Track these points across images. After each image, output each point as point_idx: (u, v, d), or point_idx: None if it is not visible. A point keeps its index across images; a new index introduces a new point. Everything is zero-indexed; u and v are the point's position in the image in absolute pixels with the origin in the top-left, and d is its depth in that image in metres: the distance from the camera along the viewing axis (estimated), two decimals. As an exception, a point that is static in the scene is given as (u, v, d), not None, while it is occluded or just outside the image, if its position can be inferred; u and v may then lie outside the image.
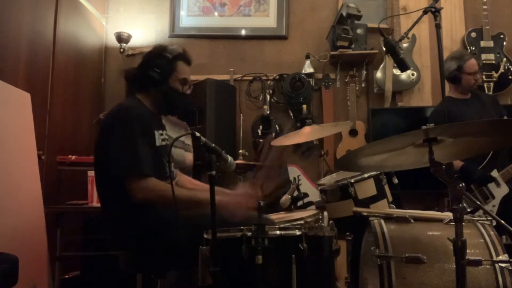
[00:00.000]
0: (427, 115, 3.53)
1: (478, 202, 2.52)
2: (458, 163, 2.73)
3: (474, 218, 1.62)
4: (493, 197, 2.67)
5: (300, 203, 2.44)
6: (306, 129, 2.46)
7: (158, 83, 1.84)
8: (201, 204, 1.63)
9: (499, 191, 2.67)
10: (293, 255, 1.32)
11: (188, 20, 3.97)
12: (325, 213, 2.14)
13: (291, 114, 3.73)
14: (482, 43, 3.65)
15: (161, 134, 1.85)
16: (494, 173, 2.70)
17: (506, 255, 1.46)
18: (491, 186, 2.70)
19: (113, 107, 1.83)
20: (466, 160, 2.72)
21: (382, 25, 3.79)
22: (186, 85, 1.91)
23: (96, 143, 1.87)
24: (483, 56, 3.59)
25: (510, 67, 3.59)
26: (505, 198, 2.65)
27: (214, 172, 1.38)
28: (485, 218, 1.61)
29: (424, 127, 1.26)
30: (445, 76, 3.00)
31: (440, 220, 1.58)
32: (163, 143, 1.85)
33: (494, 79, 3.56)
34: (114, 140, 1.71)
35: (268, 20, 3.94)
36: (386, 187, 2.21)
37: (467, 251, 1.26)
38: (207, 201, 1.38)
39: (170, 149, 1.56)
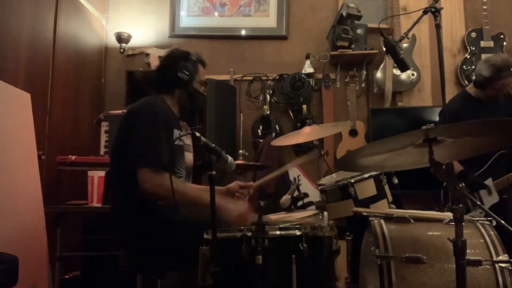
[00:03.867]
0: (427, 115, 3.53)
1: (478, 202, 2.52)
2: (457, 167, 2.71)
3: (474, 218, 1.62)
4: (482, 204, 2.64)
5: (300, 203, 2.44)
6: (306, 129, 2.46)
7: (186, 84, 1.94)
8: (204, 206, 1.58)
9: (490, 199, 2.65)
10: (293, 255, 1.32)
11: (188, 20, 3.97)
12: (325, 213, 2.14)
13: (291, 114, 3.73)
14: (482, 43, 3.65)
15: (175, 134, 1.88)
16: (489, 182, 2.67)
17: (506, 255, 1.46)
18: (483, 193, 2.68)
19: (138, 101, 1.87)
20: (466, 165, 2.70)
21: (382, 25, 3.79)
22: (204, 87, 2.06)
23: (116, 136, 1.89)
24: (483, 56, 3.58)
25: (510, 67, 3.59)
26: (494, 207, 2.61)
27: (214, 172, 1.38)
28: (485, 218, 1.61)
29: (424, 127, 1.26)
30: (475, 73, 2.86)
31: (440, 220, 1.58)
32: (180, 143, 1.91)
33: (494, 79, 3.55)
34: (137, 130, 1.73)
35: (268, 20, 3.94)
36: (386, 187, 2.21)
37: (467, 251, 1.26)
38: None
39: (181, 150, 1.58)
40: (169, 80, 1.93)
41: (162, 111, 1.82)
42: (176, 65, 1.93)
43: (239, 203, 1.84)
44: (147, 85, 1.98)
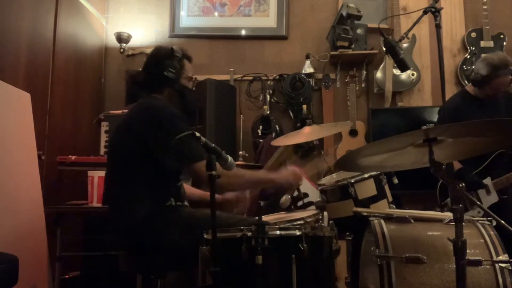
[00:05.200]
0: (427, 115, 3.53)
1: (478, 202, 2.51)
2: (456, 165, 2.69)
3: (474, 218, 1.62)
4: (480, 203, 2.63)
5: (300, 203, 2.44)
6: (306, 129, 2.46)
7: (174, 82, 1.92)
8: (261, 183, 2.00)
9: (488, 199, 2.64)
10: (293, 255, 1.32)
11: (188, 20, 3.97)
12: (325, 213, 2.14)
13: (291, 114, 3.73)
14: (482, 43, 3.65)
15: None
16: (487, 181, 2.66)
17: (506, 255, 1.46)
18: (481, 193, 2.67)
19: (142, 106, 1.86)
20: (465, 163, 2.69)
21: (382, 25, 3.79)
22: (191, 82, 2.03)
23: (117, 137, 1.89)
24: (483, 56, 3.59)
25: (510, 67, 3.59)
26: (493, 207, 2.59)
27: (214, 172, 1.38)
28: (485, 218, 1.61)
29: (424, 127, 1.26)
30: (473, 71, 2.86)
31: (440, 220, 1.58)
32: None
33: (494, 79, 3.55)
34: (164, 137, 1.70)
35: (268, 20, 3.94)
36: (386, 187, 2.21)
37: (467, 251, 1.26)
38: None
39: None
40: (157, 80, 1.92)
41: (176, 111, 1.84)
42: (162, 64, 1.91)
43: (287, 169, 2.04)
44: (137, 87, 1.97)
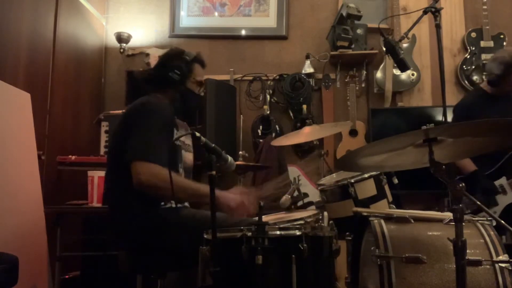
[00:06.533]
0: (427, 115, 3.53)
1: (478, 202, 2.50)
2: (470, 167, 2.67)
3: (474, 218, 1.62)
4: (496, 204, 2.62)
5: (300, 203, 2.44)
6: (306, 129, 2.46)
7: (177, 83, 1.92)
8: (201, 197, 1.66)
9: (504, 199, 2.62)
10: (293, 255, 1.32)
11: (188, 20, 3.97)
12: (325, 213, 2.14)
13: (291, 114, 3.73)
14: (482, 43, 3.65)
15: (176, 134, 1.88)
16: (502, 180, 2.65)
17: (506, 255, 1.45)
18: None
19: (136, 101, 1.85)
20: (479, 164, 2.65)
21: (382, 25, 3.79)
22: (200, 87, 2.02)
23: (112, 136, 1.90)
24: (483, 56, 3.60)
25: (510, 67, 3.59)
26: (509, 207, 2.58)
27: (214, 172, 1.38)
28: (485, 218, 1.61)
29: (424, 127, 1.26)
30: (486, 72, 2.89)
31: (440, 220, 1.58)
32: (178, 142, 1.90)
33: (494, 79, 3.55)
34: (133, 128, 1.71)
35: (268, 20, 3.94)
36: (386, 187, 2.21)
37: (467, 251, 1.26)
38: (207, 195, 1.38)
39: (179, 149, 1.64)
40: (161, 79, 1.93)
41: (162, 109, 1.80)
42: (169, 64, 1.93)
43: (239, 192, 1.80)
44: (143, 84, 1.97)
